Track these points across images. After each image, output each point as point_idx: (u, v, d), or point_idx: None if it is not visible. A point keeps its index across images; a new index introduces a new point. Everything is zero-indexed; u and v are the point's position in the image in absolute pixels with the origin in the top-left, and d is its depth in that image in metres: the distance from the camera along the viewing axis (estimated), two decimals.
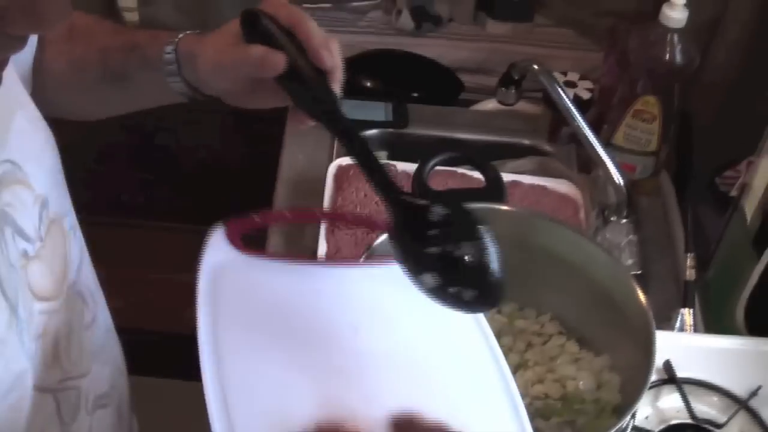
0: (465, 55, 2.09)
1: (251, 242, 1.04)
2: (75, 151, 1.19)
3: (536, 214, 1.31)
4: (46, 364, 1.01)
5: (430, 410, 0.97)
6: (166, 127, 2.15)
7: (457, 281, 0.91)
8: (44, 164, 1.04)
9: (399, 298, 1.03)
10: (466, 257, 0.91)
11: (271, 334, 0.97)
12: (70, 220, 1.10)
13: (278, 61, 0.97)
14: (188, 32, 1.10)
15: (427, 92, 1.97)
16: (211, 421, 0.84)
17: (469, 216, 0.93)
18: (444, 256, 0.91)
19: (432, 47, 2.08)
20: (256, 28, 0.99)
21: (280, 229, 1.57)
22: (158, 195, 2.27)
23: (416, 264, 0.92)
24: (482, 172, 1.31)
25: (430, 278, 0.91)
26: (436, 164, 1.33)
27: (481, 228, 0.92)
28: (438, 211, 0.92)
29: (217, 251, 0.99)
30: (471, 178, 1.57)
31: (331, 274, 1.09)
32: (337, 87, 1.00)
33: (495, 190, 1.28)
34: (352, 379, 0.97)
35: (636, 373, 1.17)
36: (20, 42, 0.76)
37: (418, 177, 1.29)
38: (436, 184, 1.45)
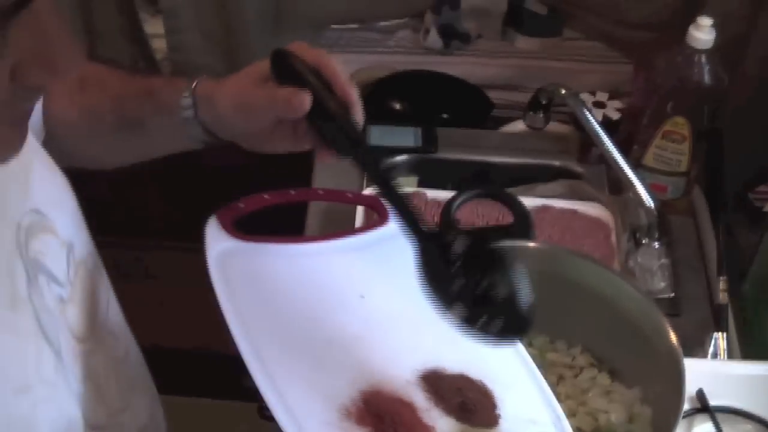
0: (494, 71, 2.09)
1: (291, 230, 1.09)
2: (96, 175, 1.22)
3: (565, 250, 1.31)
4: (95, 402, 1.03)
5: (448, 362, 1.05)
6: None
7: (485, 312, 0.93)
8: (66, 209, 1.06)
9: (391, 260, 1.08)
10: (492, 288, 0.93)
11: (289, 315, 1.02)
12: (94, 260, 1.12)
13: (304, 100, 0.99)
14: (205, 77, 1.12)
15: (457, 112, 1.96)
16: (270, 407, 0.88)
17: (494, 249, 0.95)
18: (470, 287, 0.93)
19: (461, 65, 2.08)
20: (284, 67, 1.02)
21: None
22: (181, 216, 2.27)
23: (444, 297, 0.94)
24: (510, 208, 1.31)
25: (458, 310, 0.93)
26: (463, 201, 1.33)
27: (507, 258, 0.94)
28: (463, 244, 0.94)
29: (217, 241, 1.04)
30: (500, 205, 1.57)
31: (325, 248, 1.14)
32: (360, 124, 1.03)
33: (523, 227, 1.28)
34: (374, 344, 1.03)
35: (667, 406, 1.17)
36: (40, 92, 0.78)
37: (446, 215, 1.29)
38: (466, 212, 1.46)
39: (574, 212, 1.64)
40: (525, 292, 0.94)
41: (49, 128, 1.16)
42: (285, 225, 1.40)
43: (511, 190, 1.71)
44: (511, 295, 0.93)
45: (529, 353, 1.29)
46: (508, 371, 1.11)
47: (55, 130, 1.16)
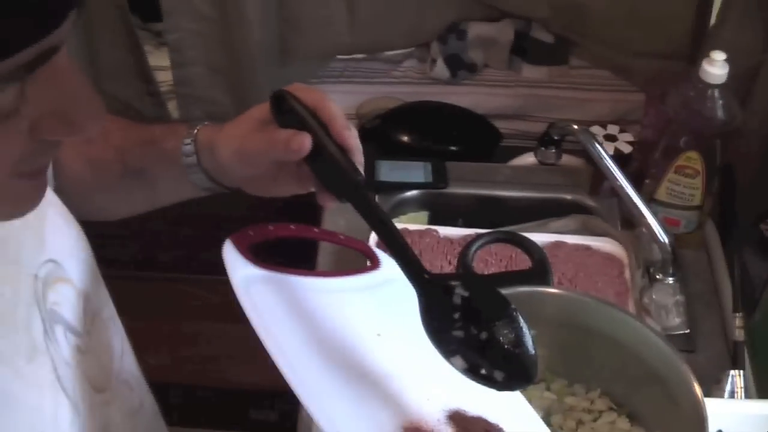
0: (502, 101, 2.08)
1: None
2: None
3: (583, 296, 1.29)
4: None
5: (466, 404, 1.03)
6: None
7: (486, 363, 0.92)
8: (80, 258, 1.04)
9: (397, 302, 1.07)
10: (493, 339, 0.92)
11: (318, 349, 0.98)
12: (109, 310, 1.11)
13: (305, 142, 0.98)
14: (206, 123, 1.11)
15: (465, 144, 1.95)
16: None
17: (496, 296, 0.94)
18: (470, 339, 0.93)
19: (468, 95, 2.07)
20: (284, 109, 1.00)
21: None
22: (195, 250, 2.26)
23: (445, 347, 0.93)
24: (528, 253, 1.29)
25: (459, 361, 0.93)
26: (480, 246, 1.31)
27: (509, 308, 0.93)
28: (461, 294, 0.93)
29: (239, 267, 1.00)
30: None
31: (338, 285, 1.12)
32: (360, 168, 1.01)
33: (541, 272, 1.27)
34: (403, 381, 1.01)
35: None
36: (58, 146, 0.77)
37: (463, 261, 1.28)
38: (482, 253, 1.45)
39: (587, 248, 1.63)
40: (528, 342, 0.92)
41: (57, 180, 1.15)
42: (294, 257, 1.39)
43: (523, 226, 1.71)
44: (513, 347, 0.92)
45: (547, 397, 1.29)
46: (518, 415, 1.12)
47: (61, 181, 1.15)
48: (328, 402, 0.91)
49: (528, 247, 1.30)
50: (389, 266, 1.15)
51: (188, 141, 1.10)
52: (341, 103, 2.18)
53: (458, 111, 2.01)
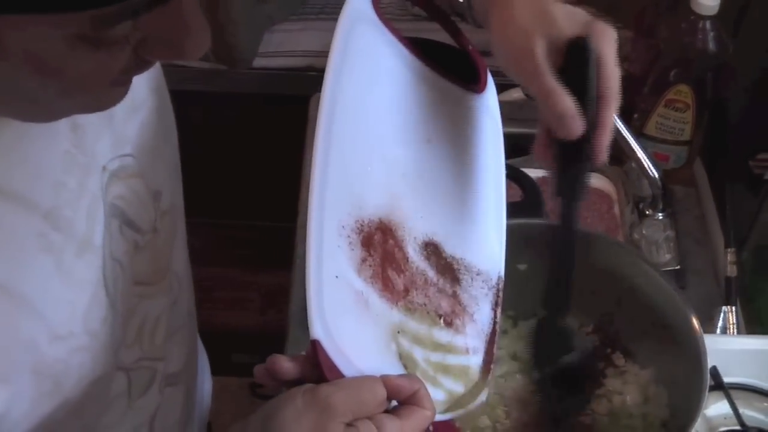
0: (486, 38, 2.03)
1: None
2: None
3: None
4: (127, 345, 0.99)
5: (449, 246, 1.03)
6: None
7: None
8: (164, 156, 1.04)
9: (468, 126, 1.10)
10: None
11: (371, 111, 0.97)
12: (178, 207, 1.10)
13: (575, 131, 0.96)
14: None
15: None
16: (312, 183, 0.86)
17: None
18: None
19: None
20: (575, 55, 0.97)
21: None
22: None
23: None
24: (519, 184, 1.26)
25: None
26: None
27: None
28: None
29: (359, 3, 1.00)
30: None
31: (434, 79, 1.13)
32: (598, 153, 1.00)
33: (534, 204, 1.24)
34: (413, 189, 1.01)
35: (684, 387, 1.15)
36: (152, 65, 0.78)
37: None
38: None
39: None
40: None
41: None
42: (276, 199, 1.34)
43: (510, 161, 1.67)
44: None
45: None
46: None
47: None
48: (338, 163, 0.89)
49: (519, 177, 1.27)
50: (489, 98, 1.21)
51: None
52: (321, 41, 2.14)
53: (442, 47, 1.96)
